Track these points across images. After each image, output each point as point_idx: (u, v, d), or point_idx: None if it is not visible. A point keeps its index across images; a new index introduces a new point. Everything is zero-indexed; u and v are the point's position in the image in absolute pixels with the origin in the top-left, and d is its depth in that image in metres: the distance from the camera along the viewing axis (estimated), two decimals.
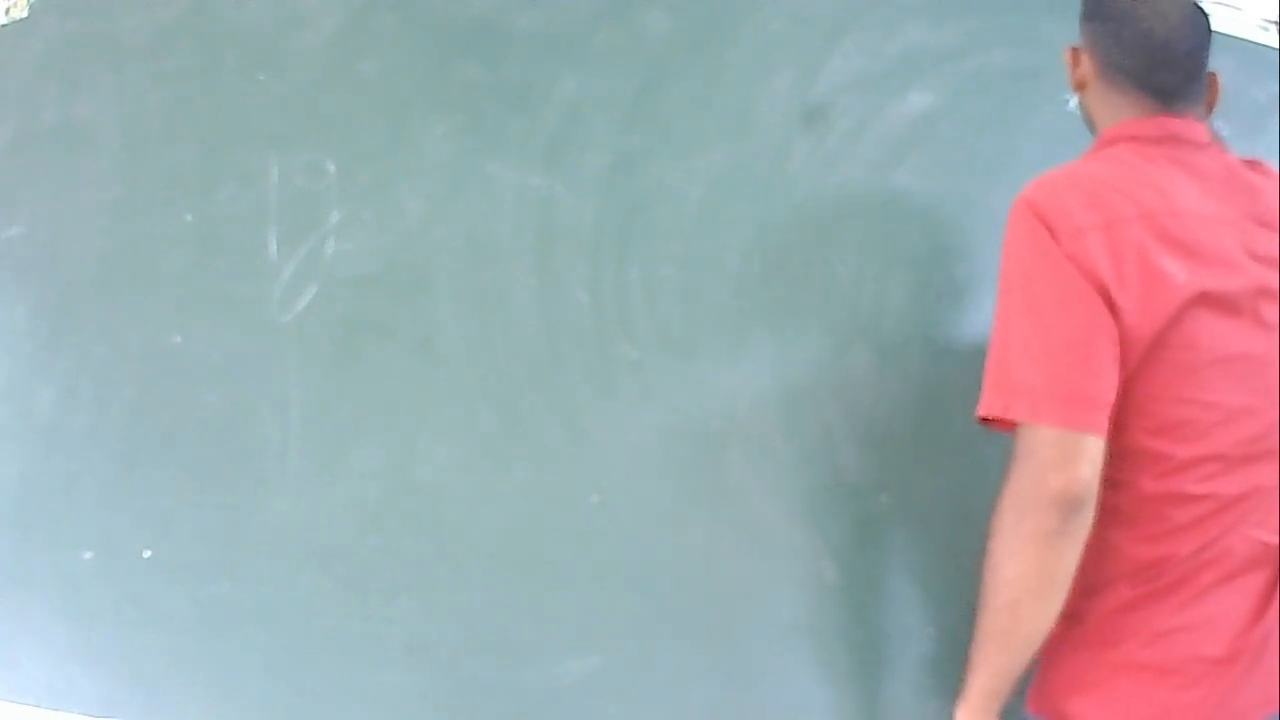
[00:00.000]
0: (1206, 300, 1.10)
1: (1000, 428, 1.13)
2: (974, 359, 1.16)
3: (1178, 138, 1.18)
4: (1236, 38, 1.58)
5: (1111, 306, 1.08)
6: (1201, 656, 1.09)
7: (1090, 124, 1.27)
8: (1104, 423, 1.07)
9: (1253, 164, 1.24)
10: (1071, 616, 1.14)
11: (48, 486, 1.36)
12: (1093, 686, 1.13)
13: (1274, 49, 1.62)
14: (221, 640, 1.31)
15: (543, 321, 1.36)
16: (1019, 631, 1.09)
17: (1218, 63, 1.23)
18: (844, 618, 1.37)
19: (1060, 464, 1.06)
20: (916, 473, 1.39)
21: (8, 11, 1.46)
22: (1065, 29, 1.29)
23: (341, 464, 1.33)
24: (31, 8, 1.45)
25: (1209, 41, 1.20)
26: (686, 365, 1.37)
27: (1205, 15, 1.21)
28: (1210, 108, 1.24)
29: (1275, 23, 1.63)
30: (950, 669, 1.19)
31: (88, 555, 1.33)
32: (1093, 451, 1.06)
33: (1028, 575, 1.08)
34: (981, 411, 1.13)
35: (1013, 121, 1.49)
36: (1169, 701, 1.09)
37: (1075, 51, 1.26)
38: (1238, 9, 1.61)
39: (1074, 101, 1.33)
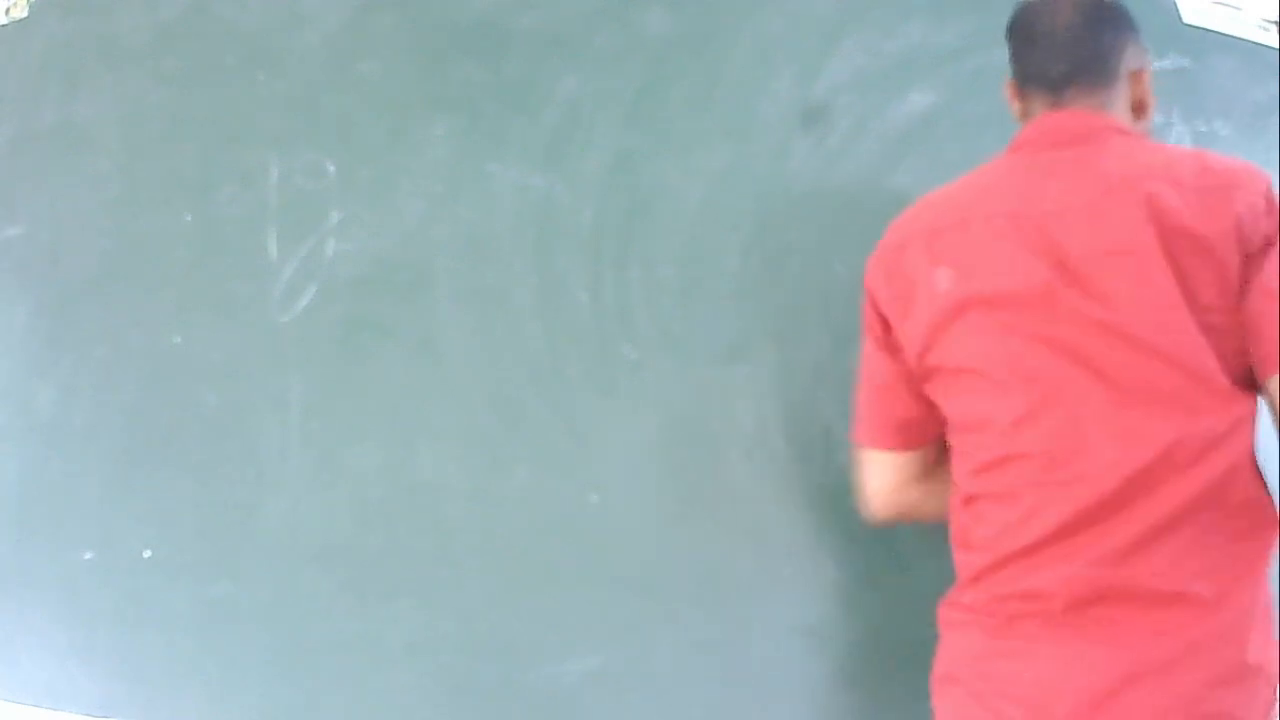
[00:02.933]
0: (975, 305, 1.08)
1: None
2: None
3: (1046, 136, 1.13)
4: (1236, 38, 1.58)
5: (887, 326, 1.17)
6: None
7: None
8: (894, 440, 1.20)
9: (1195, 155, 1.11)
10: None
11: (48, 486, 1.36)
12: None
13: (1274, 49, 1.62)
14: (221, 640, 1.32)
15: (543, 321, 1.36)
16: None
17: (1218, 63, 1.22)
18: (844, 618, 1.37)
19: (862, 475, 1.24)
20: None
21: (8, 11, 1.46)
22: None
23: (341, 464, 1.33)
24: (31, 8, 1.45)
25: (1111, 27, 1.14)
26: (686, 365, 1.37)
27: (1113, 3, 1.15)
28: (1141, 109, 1.17)
29: (1275, 23, 1.63)
30: None
31: (88, 555, 1.34)
32: (882, 463, 1.22)
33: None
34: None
35: (1013, 121, 1.48)
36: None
37: (1010, 82, 1.23)
38: (1238, 9, 1.61)
39: None
